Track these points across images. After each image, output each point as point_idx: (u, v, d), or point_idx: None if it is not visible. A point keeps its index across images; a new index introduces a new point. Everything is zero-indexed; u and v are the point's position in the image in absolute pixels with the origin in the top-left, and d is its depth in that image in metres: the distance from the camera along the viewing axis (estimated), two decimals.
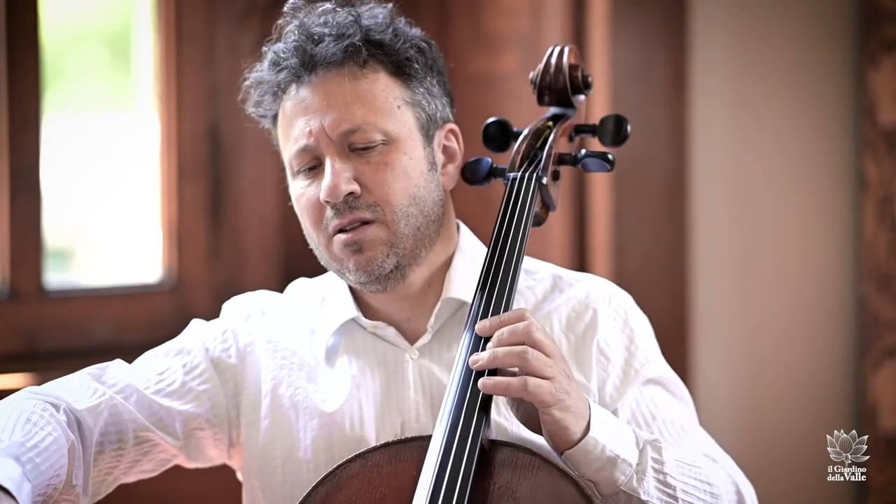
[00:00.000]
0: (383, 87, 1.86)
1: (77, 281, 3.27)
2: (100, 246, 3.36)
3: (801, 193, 3.25)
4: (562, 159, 2.00)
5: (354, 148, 1.85)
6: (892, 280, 3.16)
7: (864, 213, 3.20)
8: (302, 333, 1.99)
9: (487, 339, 1.76)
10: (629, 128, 2.01)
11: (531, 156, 1.97)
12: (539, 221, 1.96)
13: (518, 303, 1.95)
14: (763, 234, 3.22)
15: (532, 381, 1.70)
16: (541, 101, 2.06)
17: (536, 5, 3.10)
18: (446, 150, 1.94)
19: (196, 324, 2.05)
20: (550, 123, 2.02)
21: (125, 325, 3.11)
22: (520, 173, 1.94)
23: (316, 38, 1.86)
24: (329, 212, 1.87)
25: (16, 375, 2.89)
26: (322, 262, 1.94)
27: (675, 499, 1.79)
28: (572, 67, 2.03)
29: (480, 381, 1.72)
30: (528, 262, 2.00)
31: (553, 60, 2.03)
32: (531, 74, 2.05)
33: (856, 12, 3.22)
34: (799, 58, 3.22)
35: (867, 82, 3.17)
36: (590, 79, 2.05)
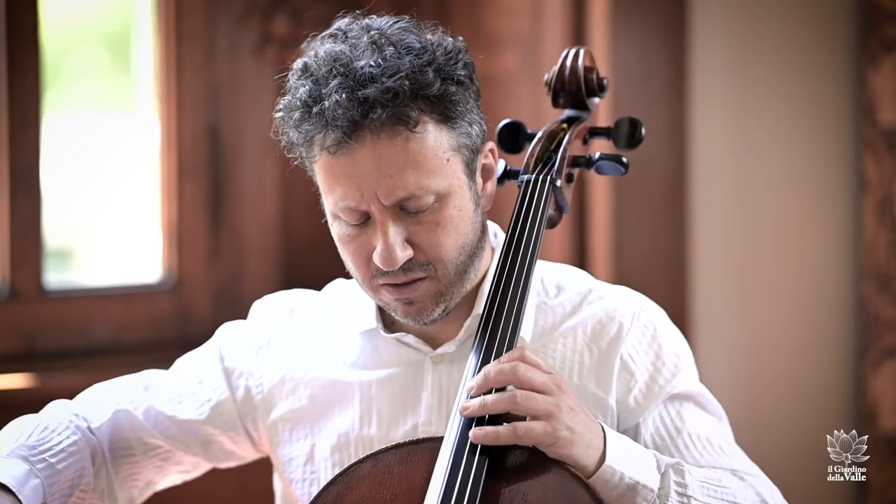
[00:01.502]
0: (433, 141, 1.78)
1: (77, 281, 3.27)
2: (100, 246, 3.36)
3: (801, 193, 3.25)
4: (576, 162, 1.98)
5: (405, 209, 1.80)
6: (892, 280, 3.16)
7: (864, 213, 3.20)
8: (328, 335, 1.98)
9: (496, 355, 1.76)
10: (644, 130, 2.00)
11: (545, 158, 1.96)
12: (552, 224, 1.94)
13: (546, 317, 1.93)
14: (763, 234, 3.22)
15: (521, 426, 1.68)
16: (555, 104, 2.04)
17: (536, 5, 3.10)
18: (484, 168, 1.88)
19: (222, 329, 2.05)
20: (565, 126, 2.00)
21: (125, 325, 3.11)
22: (534, 175, 1.92)
23: (361, 100, 1.75)
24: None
25: (16, 375, 2.89)
26: (363, 290, 1.90)
27: None
28: (587, 70, 2.02)
29: (471, 433, 1.70)
30: (562, 276, 1.98)
31: (568, 62, 2.01)
32: (546, 76, 2.04)
33: (856, 12, 3.22)
34: (799, 58, 3.22)
35: (867, 82, 3.17)
36: (605, 81, 2.04)
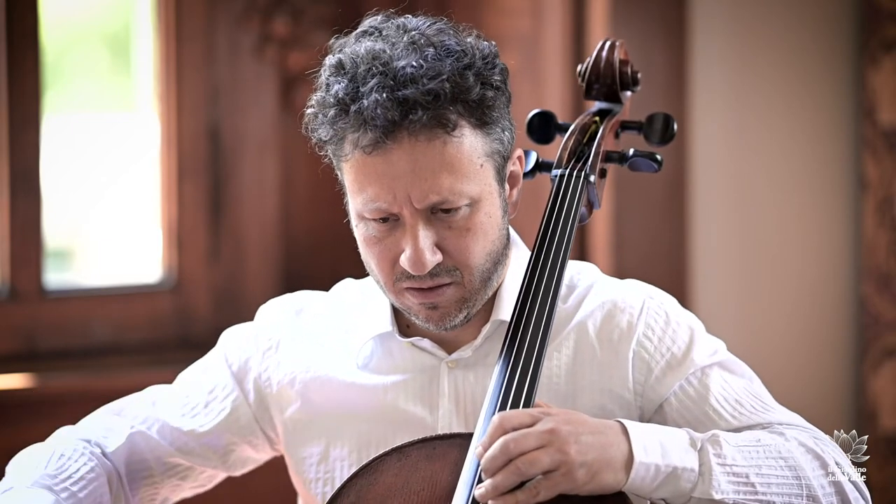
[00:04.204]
0: (469, 146, 1.76)
1: (77, 281, 3.27)
2: (100, 246, 3.36)
3: (801, 193, 3.25)
4: (609, 157, 1.95)
5: (437, 213, 1.77)
6: (892, 280, 3.16)
7: (864, 213, 3.20)
8: (338, 335, 1.95)
9: (524, 363, 1.74)
10: (675, 126, 1.98)
11: (578, 152, 1.93)
12: (582, 220, 1.91)
13: (559, 316, 1.88)
14: (763, 234, 3.23)
15: (542, 485, 1.64)
16: (588, 95, 2.01)
17: (536, 5, 3.10)
18: (511, 175, 1.86)
19: (225, 335, 2.02)
20: (597, 119, 1.98)
21: (125, 325, 3.11)
22: (567, 170, 1.90)
23: (401, 100, 1.72)
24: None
25: (16, 375, 2.89)
26: (382, 292, 1.87)
27: (752, 485, 1.73)
28: (622, 63, 1.99)
29: None
30: (572, 273, 1.94)
31: (604, 54, 1.99)
32: (579, 67, 2.01)
33: (856, 12, 3.22)
34: (799, 57, 3.22)
35: (867, 82, 3.17)
36: (638, 75, 2.01)
